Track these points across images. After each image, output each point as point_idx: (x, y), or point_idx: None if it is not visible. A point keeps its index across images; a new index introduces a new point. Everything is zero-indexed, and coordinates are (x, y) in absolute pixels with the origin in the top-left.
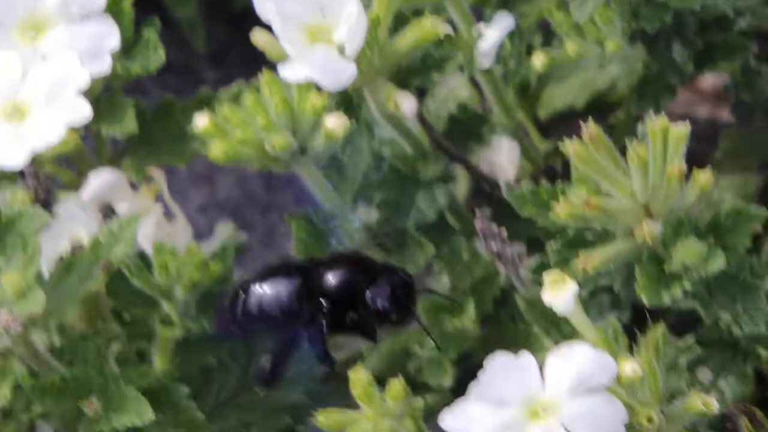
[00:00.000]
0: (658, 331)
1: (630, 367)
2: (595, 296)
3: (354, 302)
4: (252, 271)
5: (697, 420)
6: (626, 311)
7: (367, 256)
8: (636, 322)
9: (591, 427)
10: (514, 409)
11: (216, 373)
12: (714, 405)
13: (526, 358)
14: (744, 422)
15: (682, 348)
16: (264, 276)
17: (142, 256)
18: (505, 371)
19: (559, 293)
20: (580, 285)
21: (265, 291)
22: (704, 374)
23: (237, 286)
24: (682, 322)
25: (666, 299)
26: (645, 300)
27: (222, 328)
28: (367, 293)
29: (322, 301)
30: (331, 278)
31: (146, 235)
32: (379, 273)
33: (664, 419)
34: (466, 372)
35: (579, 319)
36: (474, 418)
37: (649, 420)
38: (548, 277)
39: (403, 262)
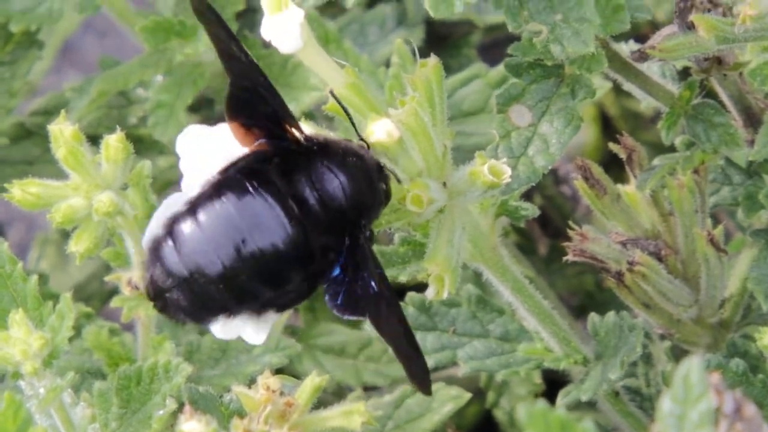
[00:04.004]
0: (429, 66)
1: (383, 130)
2: (374, 8)
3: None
4: None
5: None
6: (418, 29)
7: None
8: (432, 44)
9: None
10: None
11: None
12: (505, 171)
13: None
14: (578, 182)
15: (491, 81)
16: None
17: None
18: None
19: (279, 22)
20: None
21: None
22: (521, 116)
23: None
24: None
25: (458, 6)
26: (430, 9)
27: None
28: None
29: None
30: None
31: None
32: None
33: (445, 195)
34: (207, 122)
35: (314, 59)
36: None
37: (416, 201)
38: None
39: None
